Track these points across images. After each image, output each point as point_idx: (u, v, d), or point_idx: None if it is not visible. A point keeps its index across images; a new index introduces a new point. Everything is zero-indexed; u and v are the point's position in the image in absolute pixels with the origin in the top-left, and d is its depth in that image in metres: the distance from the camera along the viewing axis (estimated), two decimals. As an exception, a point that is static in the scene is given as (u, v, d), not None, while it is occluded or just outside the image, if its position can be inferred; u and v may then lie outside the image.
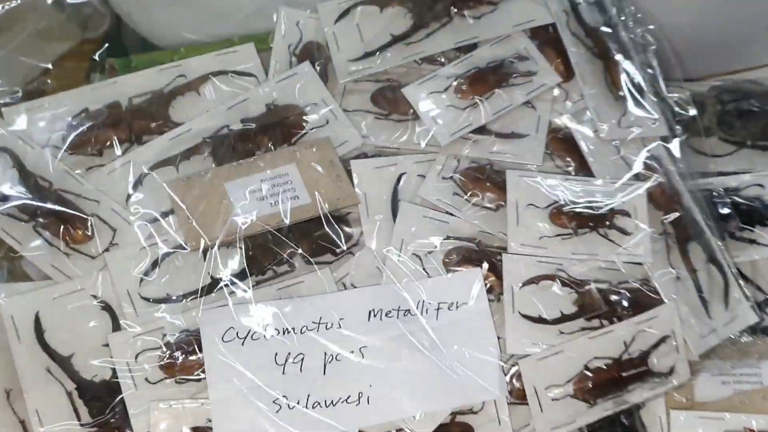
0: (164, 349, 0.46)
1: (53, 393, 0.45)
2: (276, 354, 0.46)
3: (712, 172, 0.62)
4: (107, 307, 0.47)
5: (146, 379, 0.45)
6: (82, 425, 0.44)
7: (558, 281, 0.51)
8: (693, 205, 0.56)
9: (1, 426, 0.45)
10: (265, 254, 0.50)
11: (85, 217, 0.50)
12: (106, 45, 0.60)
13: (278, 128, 0.55)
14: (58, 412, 0.45)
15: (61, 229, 0.49)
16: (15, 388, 0.46)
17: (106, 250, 0.49)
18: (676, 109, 0.58)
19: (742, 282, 0.55)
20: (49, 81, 0.56)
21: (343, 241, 0.52)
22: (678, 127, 0.58)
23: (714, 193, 0.59)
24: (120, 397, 0.45)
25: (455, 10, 0.58)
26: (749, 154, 0.63)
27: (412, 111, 0.56)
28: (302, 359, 0.47)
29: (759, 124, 0.63)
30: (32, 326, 0.46)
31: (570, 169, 0.55)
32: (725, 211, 0.58)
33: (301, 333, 0.47)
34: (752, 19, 0.66)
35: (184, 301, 0.48)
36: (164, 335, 0.46)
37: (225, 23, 0.63)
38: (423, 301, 0.50)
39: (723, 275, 0.55)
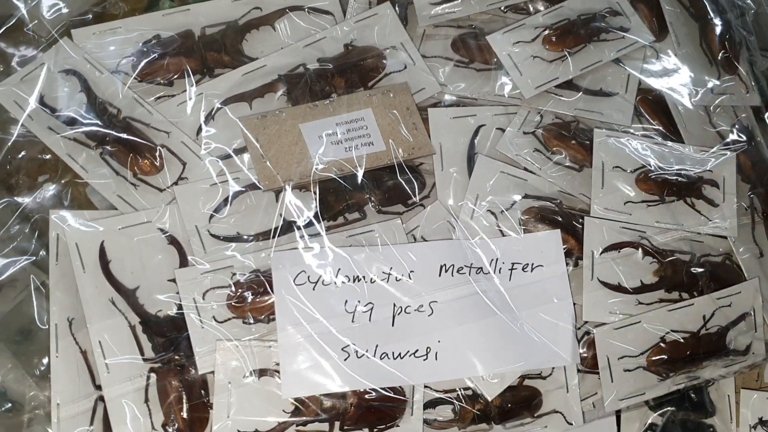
0: (233, 288, 0.44)
1: (117, 325, 0.44)
2: (346, 301, 0.45)
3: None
4: (174, 242, 0.46)
5: (213, 318, 0.44)
6: (144, 360, 0.43)
7: (641, 249, 0.49)
8: (783, 180, 0.53)
9: (63, 354, 0.44)
10: (338, 200, 0.49)
11: (155, 146, 0.48)
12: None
13: (355, 70, 0.52)
14: (121, 344, 0.44)
15: (130, 159, 0.47)
16: (78, 318, 0.44)
17: (175, 183, 0.48)
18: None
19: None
20: (121, 3, 0.53)
21: (417, 191, 0.50)
22: None
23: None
24: (185, 334, 0.43)
25: (542, -40, 0.55)
26: None
27: (495, 60, 0.53)
28: (371, 309, 0.45)
29: None
30: (97, 256, 0.45)
31: (657, 133, 0.53)
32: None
33: (371, 282, 0.46)
34: None
35: (255, 241, 0.46)
36: (233, 274, 0.45)
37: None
38: (497, 260, 0.48)
39: (807, 255, 0.52)
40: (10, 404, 0.49)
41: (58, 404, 0.43)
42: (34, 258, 0.46)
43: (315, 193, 0.48)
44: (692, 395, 0.50)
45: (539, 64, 0.53)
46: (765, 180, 0.52)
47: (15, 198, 0.47)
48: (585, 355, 0.48)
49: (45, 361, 0.53)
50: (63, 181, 0.48)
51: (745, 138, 0.53)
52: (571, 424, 0.47)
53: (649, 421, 0.50)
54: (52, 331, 0.44)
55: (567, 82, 0.53)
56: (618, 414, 0.50)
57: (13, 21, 0.51)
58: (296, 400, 0.43)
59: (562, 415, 0.47)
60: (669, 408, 0.50)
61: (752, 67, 0.55)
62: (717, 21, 0.54)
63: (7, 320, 0.54)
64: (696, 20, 0.55)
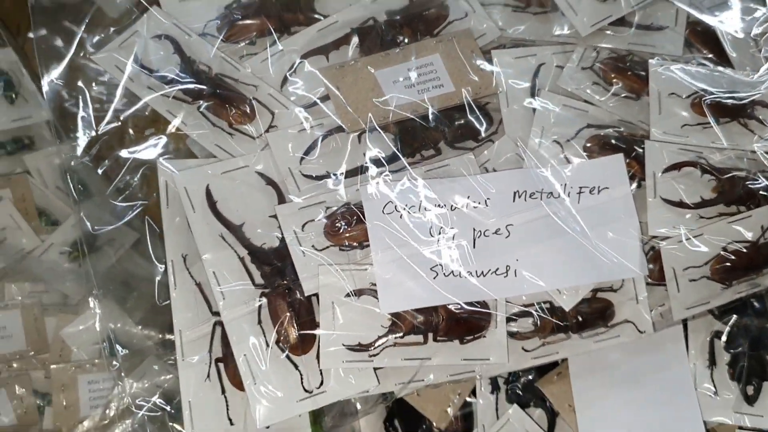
0: (329, 219, 0.49)
1: (227, 257, 0.49)
2: (431, 227, 0.49)
3: None
4: (271, 182, 0.51)
5: (313, 246, 0.48)
6: (255, 285, 0.48)
7: (699, 168, 0.52)
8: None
9: (180, 287, 0.49)
10: (414, 138, 0.53)
11: (246, 98, 0.53)
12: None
13: (421, 20, 0.56)
14: (232, 273, 0.49)
15: (224, 111, 0.52)
16: (191, 254, 0.49)
17: (266, 131, 0.52)
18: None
19: None
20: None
21: (487, 127, 0.54)
22: None
23: None
24: (289, 262, 0.48)
25: None
26: None
27: (550, 2, 0.57)
28: (455, 234, 0.49)
29: None
30: (204, 197, 0.50)
31: (708, 60, 0.56)
32: None
33: (452, 209, 0.50)
34: None
35: (345, 178, 0.51)
36: (327, 207, 0.49)
37: None
38: (566, 185, 0.52)
39: None
40: (126, 350, 0.55)
41: (180, 331, 0.48)
42: (146, 203, 0.51)
43: (394, 133, 0.53)
44: (755, 303, 0.53)
45: (592, 2, 0.56)
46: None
47: (124, 152, 0.52)
48: (652, 268, 0.51)
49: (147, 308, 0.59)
50: (166, 134, 0.53)
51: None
52: (643, 332, 0.51)
53: (715, 329, 0.53)
54: (169, 267, 0.49)
55: (620, 19, 0.56)
56: (685, 323, 0.53)
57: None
58: (392, 315, 0.47)
59: (634, 324, 0.51)
60: (733, 315, 0.53)
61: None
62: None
63: (110, 274, 0.59)
64: (740, -46, 0.58)
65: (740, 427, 0.51)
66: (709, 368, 0.52)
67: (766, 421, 0.51)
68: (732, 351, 0.53)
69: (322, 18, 0.57)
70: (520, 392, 0.55)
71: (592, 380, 0.52)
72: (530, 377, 0.54)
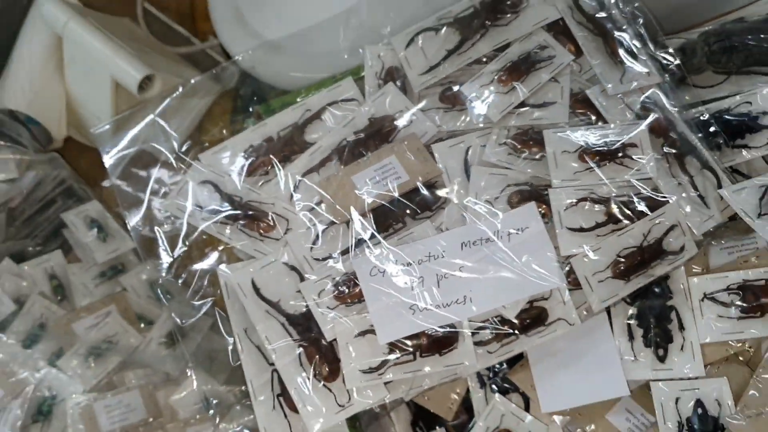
0: (335, 287, 0.71)
1: (273, 324, 0.71)
2: (405, 278, 0.70)
3: (709, 99, 0.81)
4: (293, 268, 0.73)
5: (327, 307, 0.70)
6: (294, 340, 0.70)
7: (590, 201, 0.72)
8: (686, 130, 0.75)
9: (246, 350, 0.71)
10: (386, 218, 0.74)
11: (268, 213, 0.76)
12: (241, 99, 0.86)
13: (379, 133, 0.78)
14: (278, 335, 0.70)
15: (255, 225, 0.75)
16: (249, 327, 0.72)
17: (285, 233, 0.75)
18: (665, 61, 0.78)
19: (736, 177, 0.75)
20: (224, 131, 0.82)
21: (437, 200, 0.75)
22: (676, 71, 0.78)
23: (709, 116, 0.79)
24: (314, 320, 0.70)
25: (489, 22, 0.80)
26: (737, 80, 0.81)
27: (469, 101, 0.78)
28: (423, 280, 0.70)
29: (740, 56, 0.81)
30: (251, 287, 0.72)
31: (590, 120, 0.77)
32: (714, 129, 0.77)
33: (419, 264, 0.71)
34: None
35: (341, 256, 0.73)
36: (334, 278, 0.72)
37: (326, 64, 0.88)
38: (498, 231, 0.72)
39: (715, 176, 0.74)
40: (215, 407, 0.78)
41: (251, 381, 0.71)
42: (214, 297, 0.74)
43: (370, 217, 0.75)
44: (655, 288, 0.72)
45: (499, 96, 0.77)
46: (671, 132, 0.75)
47: (194, 266, 0.76)
48: (570, 278, 0.71)
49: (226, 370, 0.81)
50: (219, 249, 0.76)
51: (653, 107, 0.76)
52: (573, 324, 0.69)
53: (629, 312, 0.72)
54: (236, 338, 0.72)
55: (520, 104, 0.77)
56: (608, 311, 0.72)
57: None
58: (389, 344, 0.69)
59: (565, 320, 0.70)
60: (639, 300, 0.72)
61: (649, 55, 0.78)
62: (615, 33, 0.78)
63: (198, 352, 0.82)
64: (600, 36, 0.79)
65: (654, 380, 0.70)
66: (629, 342, 0.71)
67: (674, 372, 0.69)
68: (643, 326, 0.72)
69: (311, 145, 0.80)
70: (499, 383, 0.75)
71: (546, 364, 0.71)
72: (504, 371, 0.75)
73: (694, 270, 0.73)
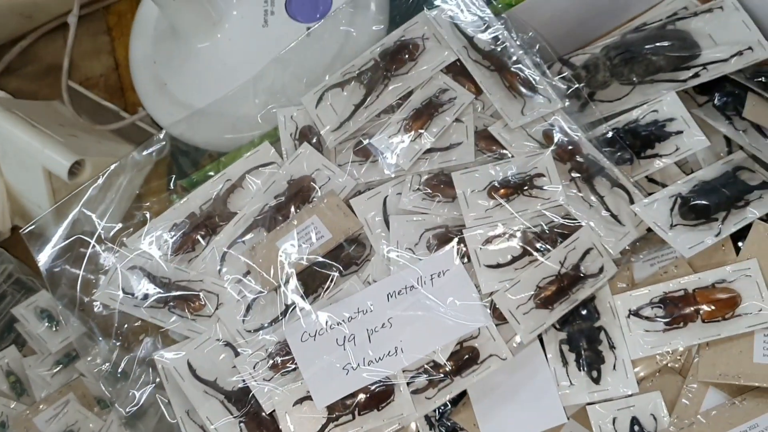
0: (268, 357, 0.72)
1: (212, 404, 0.72)
2: (336, 339, 0.72)
3: (619, 112, 0.83)
4: (228, 344, 0.75)
5: (264, 379, 0.72)
6: (234, 417, 0.72)
7: (504, 236, 0.74)
8: (592, 150, 0.77)
9: (190, 430, 0.73)
10: (314, 279, 0.76)
11: (197, 293, 0.77)
12: (173, 177, 0.87)
13: (299, 195, 0.80)
14: (218, 414, 0.72)
15: (185, 306, 0.77)
16: (191, 408, 0.73)
17: (216, 309, 0.77)
18: (564, 86, 0.80)
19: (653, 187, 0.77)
20: (148, 212, 0.83)
21: (361, 254, 0.77)
22: (579, 93, 0.80)
23: (618, 130, 0.80)
24: (252, 395, 0.72)
25: (390, 72, 0.82)
26: (643, 89, 0.83)
27: (380, 152, 0.80)
28: (354, 337, 0.72)
29: (641, 66, 0.82)
30: (187, 368, 0.74)
31: (497, 156, 0.78)
32: (622, 143, 0.79)
33: (349, 321, 0.73)
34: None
35: (272, 325, 0.74)
36: (267, 349, 0.73)
37: (243, 128, 0.89)
38: (420, 277, 0.74)
39: (627, 192, 0.76)
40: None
41: (198, 461, 0.72)
42: (154, 384, 0.76)
43: (298, 281, 0.76)
44: (582, 311, 0.74)
45: (407, 143, 0.79)
46: (576, 156, 0.77)
47: (131, 353, 0.77)
48: (496, 314, 0.73)
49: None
50: (154, 333, 0.78)
51: (556, 132, 0.78)
52: (505, 359, 0.71)
53: (560, 338, 0.74)
54: (179, 420, 0.73)
55: (428, 149, 0.79)
56: (541, 340, 0.74)
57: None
58: (327, 407, 0.70)
59: (497, 356, 0.72)
60: (569, 325, 0.74)
61: (548, 83, 0.80)
62: (512, 66, 0.80)
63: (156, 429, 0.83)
64: (497, 72, 0.80)
65: (589, 403, 0.72)
66: (564, 367, 0.73)
67: (610, 392, 0.70)
68: (574, 350, 0.73)
69: (234, 215, 0.81)
70: (446, 424, 0.76)
71: (487, 401, 0.73)
72: (451, 411, 0.76)
73: (619, 287, 0.75)
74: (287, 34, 0.93)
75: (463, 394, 0.74)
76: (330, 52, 0.86)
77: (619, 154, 0.78)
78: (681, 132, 0.79)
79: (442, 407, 0.76)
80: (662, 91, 0.81)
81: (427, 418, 0.76)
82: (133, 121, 1.14)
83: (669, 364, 0.72)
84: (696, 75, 0.82)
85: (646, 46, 0.83)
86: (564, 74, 0.81)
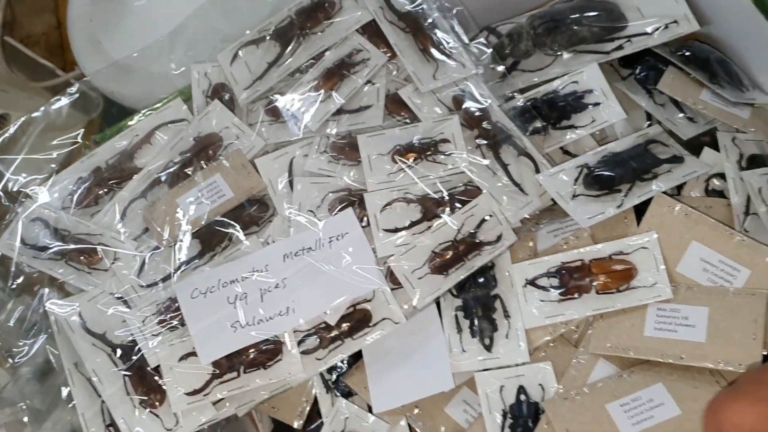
0: (157, 313, 0.72)
1: (99, 356, 0.72)
2: (227, 297, 0.71)
3: (541, 82, 0.82)
4: (121, 299, 0.74)
5: (152, 334, 0.71)
6: (119, 370, 0.71)
7: (404, 201, 0.73)
8: (502, 118, 0.76)
9: (77, 383, 0.72)
10: (212, 237, 0.75)
11: (95, 246, 0.76)
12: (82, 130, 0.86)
13: (204, 152, 0.79)
14: (105, 366, 0.71)
15: (82, 259, 0.76)
16: (79, 360, 0.73)
17: (112, 263, 0.76)
18: (478, 50, 0.79)
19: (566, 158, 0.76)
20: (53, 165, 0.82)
21: (263, 215, 0.76)
22: (493, 60, 0.79)
23: (537, 100, 0.79)
24: (138, 348, 0.71)
25: (306, 31, 0.81)
26: (566, 60, 0.81)
27: (290, 112, 0.79)
28: (246, 296, 0.71)
29: (564, 36, 0.80)
30: (78, 320, 0.73)
31: (405, 121, 0.77)
32: (536, 113, 0.78)
33: (242, 280, 0.72)
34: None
35: (166, 281, 0.73)
36: (158, 304, 0.72)
37: (162, 85, 0.87)
38: (319, 239, 0.73)
39: (533, 161, 0.75)
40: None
41: (82, 414, 0.71)
42: (46, 335, 0.75)
43: (197, 238, 0.75)
44: (478, 278, 0.73)
45: (317, 105, 0.78)
46: (484, 123, 0.75)
47: (25, 304, 0.76)
48: (391, 278, 0.72)
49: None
50: (50, 285, 0.77)
51: (466, 98, 0.76)
52: (398, 323, 0.70)
53: (455, 305, 0.73)
54: (67, 371, 0.73)
55: (338, 110, 0.78)
56: (439, 306, 0.73)
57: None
58: (212, 364, 0.70)
59: (390, 319, 0.71)
60: (465, 292, 0.73)
61: (464, 48, 0.78)
62: (426, 28, 0.78)
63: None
64: (411, 35, 0.79)
65: (480, 370, 0.71)
66: (458, 334, 0.72)
67: (501, 360, 0.70)
68: (469, 318, 0.73)
69: (139, 170, 0.80)
70: (342, 387, 0.76)
71: (379, 365, 0.72)
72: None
73: (520, 257, 0.74)
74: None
75: (360, 357, 0.74)
76: (251, 8, 0.85)
77: (532, 124, 0.77)
78: (599, 104, 0.77)
79: (340, 369, 0.75)
80: (584, 63, 0.80)
81: (324, 380, 0.76)
82: (68, 79, 1.13)
83: (567, 335, 0.72)
84: (620, 47, 0.80)
85: (571, 16, 0.82)
86: (479, 40, 0.79)
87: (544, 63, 0.82)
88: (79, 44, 1.02)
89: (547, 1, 0.89)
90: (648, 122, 0.81)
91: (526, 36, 0.82)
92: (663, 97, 0.80)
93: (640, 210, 0.73)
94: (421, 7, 0.79)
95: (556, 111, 0.79)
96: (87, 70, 1.01)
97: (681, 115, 0.79)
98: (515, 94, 0.79)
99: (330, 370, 0.75)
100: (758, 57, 0.79)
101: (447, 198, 0.73)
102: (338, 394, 0.75)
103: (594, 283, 0.70)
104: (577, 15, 0.81)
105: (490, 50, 0.79)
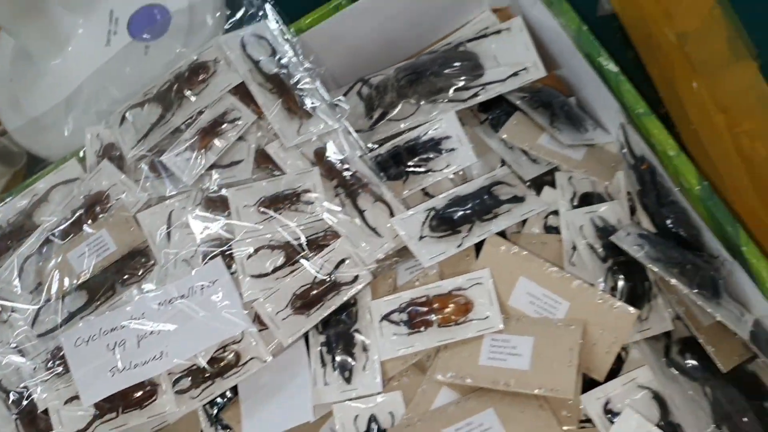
0: (47, 361, 0.79)
1: (-5, 403, 0.79)
2: (107, 344, 0.78)
3: (406, 129, 0.89)
4: (16, 348, 0.81)
5: (41, 380, 0.78)
6: (12, 414, 0.78)
7: (269, 248, 0.80)
8: (360, 167, 0.83)
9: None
10: (98, 288, 0.83)
11: (-13, 307, 0.84)
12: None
13: (92, 209, 0.86)
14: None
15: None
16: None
17: (8, 318, 0.83)
18: (342, 106, 0.86)
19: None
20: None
21: (145, 266, 0.83)
22: (377, 108, 0.86)
23: (397, 147, 0.87)
24: (29, 393, 0.78)
25: (184, 93, 0.88)
26: (425, 109, 0.89)
27: (168, 169, 0.86)
28: (124, 342, 0.79)
29: (425, 87, 0.88)
30: (-23, 371, 0.81)
31: (275, 173, 0.85)
32: (397, 160, 0.85)
33: (121, 328, 0.79)
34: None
35: (54, 331, 0.81)
36: (47, 352, 0.80)
37: (65, 143, 0.95)
38: (192, 287, 0.80)
39: (388, 206, 0.82)
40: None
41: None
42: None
43: (84, 290, 0.82)
44: (341, 315, 0.80)
45: (192, 161, 0.85)
46: (342, 172, 0.82)
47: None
48: (258, 320, 0.79)
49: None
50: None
51: (327, 152, 0.84)
52: (265, 361, 0.77)
53: (321, 341, 0.80)
54: (-34, 419, 0.80)
55: (211, 165, 0.85)
56: (306, 338, 0.80)
57: None
58: (94, 405, 0.77)
59: (257, 358, 0.78)
60: (328, 329, 0.80)
61: (326, 105, 0.86)
62: (290, 89, 0.86)
63: None
64: (278, 95, 0.86)
65: (339, 402, 0.78)
66: (323, 368, 0.79)
67: (359, 391, 0.76)
68: (331, 353, 0.80)
69: (36, 228, 0.88)
70: (222, 421, 0.83)
71: (252, 400, 0.79)
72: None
73: (380, 293, 0.81)
74: (128, 53, 0.99)
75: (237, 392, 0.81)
76: (137, 73, 0.93)
77: (391, 170, 0.84)
78: (454, 149, 0.84)
79: (218, 405, 0.82)
80: (444, 111, 0.87)
81: (207, 414, 0.83)
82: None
83: (421, 365, 0.79)
84: (475, 95, 0.88)
85: (432, 69, 0.89)
86: (340, 99, 0.87)
87: (408, 112, 0.90)
88: (1, 102, 1.10)
89: (423, 49, 0.97)
90: (502, 163, 0.88)
91: (390, 88, 0.90)
92: (511, 140, 0.87)
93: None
94: (286, 69, 0.86)
95: (416, 156, 0.86)
96: (8, 126, 1.09)
97: (525, 157, 0.86)
98: (379, 143, 0.86)
99: (212, 405, 0.82)
100: (596, 97, 0.86)
101: (307, 243, 0.80)
102: (220, 427, 0.82)
103: (436, 317, 0.77)
104: (437, 67, 0.88)
105: (348, 108, 0.86)
